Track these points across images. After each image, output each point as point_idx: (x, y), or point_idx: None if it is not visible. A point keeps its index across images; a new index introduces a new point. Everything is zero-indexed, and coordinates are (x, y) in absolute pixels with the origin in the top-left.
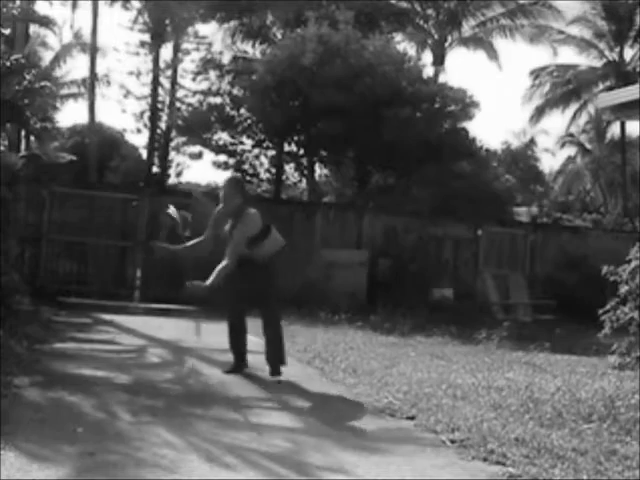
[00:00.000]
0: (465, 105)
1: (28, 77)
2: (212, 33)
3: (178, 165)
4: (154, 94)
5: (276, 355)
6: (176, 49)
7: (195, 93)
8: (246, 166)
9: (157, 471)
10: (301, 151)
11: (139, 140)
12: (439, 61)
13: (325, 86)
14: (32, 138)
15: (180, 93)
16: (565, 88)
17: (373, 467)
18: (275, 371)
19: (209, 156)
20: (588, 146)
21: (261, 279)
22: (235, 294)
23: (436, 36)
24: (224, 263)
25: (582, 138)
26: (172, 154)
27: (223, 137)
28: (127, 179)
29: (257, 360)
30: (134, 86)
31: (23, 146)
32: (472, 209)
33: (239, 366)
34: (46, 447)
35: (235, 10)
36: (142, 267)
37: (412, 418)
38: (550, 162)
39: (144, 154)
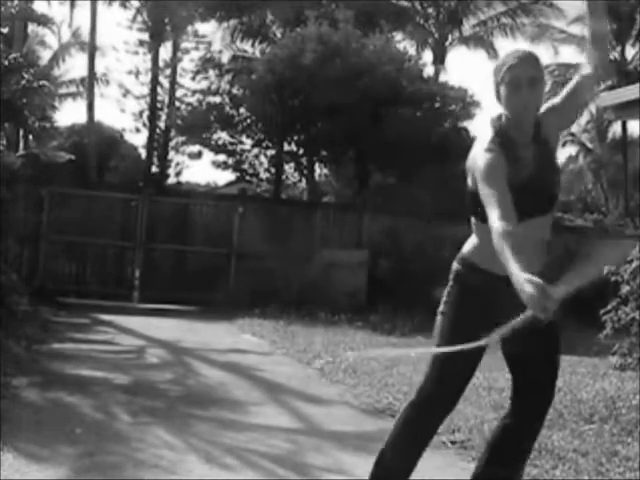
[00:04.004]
0: (466, 104)
1: (26, 76)
2: (211, 32)
3: (177, 165)
4: (153, 93)
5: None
6: (175, 48)
7: (194, 92)
8: (246, 166)
9: (156, 472)
10: (301, 151)
11: (138, 140)
12: (439, 60)
13: (325, 85)
14: (30, 137)
15: (179, 92)
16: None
17: None
18: None
19: (208, 156)
20: (589, 145)
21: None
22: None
23: (436, 35)
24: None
25: (583, 137)
26: (171, 154)
27: (222, 137)
28: (126, 179)
29: (257, 361)
30: (133, 85)
31: (21, 146)
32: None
33: None
34: (45, 448)
35: (234, 9)
36: (141, 267)
37: None
38: None
39: (143, 154)
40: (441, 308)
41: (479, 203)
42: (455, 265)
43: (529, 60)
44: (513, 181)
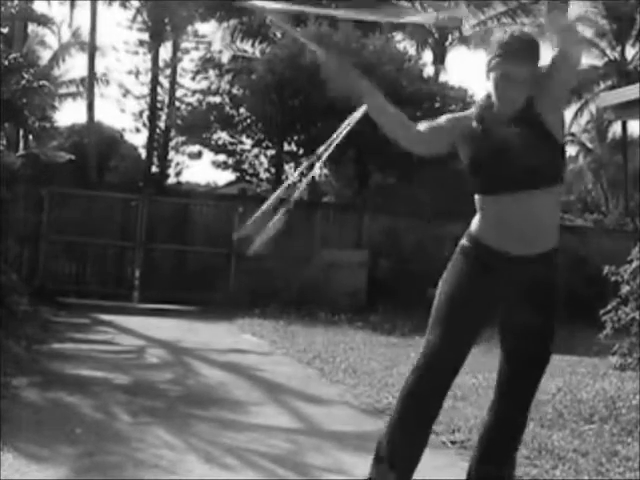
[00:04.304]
0: (466, 104)
1: (26, 76)
2: (211, 32)
3: (177, 165)
4: (153, 93)
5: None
6: (175, 48)
7: (194, 92)
8: (246, 166)
9: (156, 471)
10: (301, 151)
11: (138, 140)
12: (439, 60)
13: (325, 85)
14: (30, 137)
15: (179, 92)
16: None
17: None
18: None
19: (208, 156)
20: (589, 145)
21: (542, 297)
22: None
23: (436, 35)
24: None
25: (583, 137)
26: (171, 154)
27: (222, 137)
28: (126, 179)
29: (257, 361)
30: (133, 85)
31: (21, 146)
32: (472, 208)
33: None
34: (45, 448)
35: (234, 9)
36: (141, 267)
37: None
38: None
39: (143, 154)
40: (443, 276)
41: (475, 177)
42: (463, 240)
43: (524, 54)
44: (494, 149)
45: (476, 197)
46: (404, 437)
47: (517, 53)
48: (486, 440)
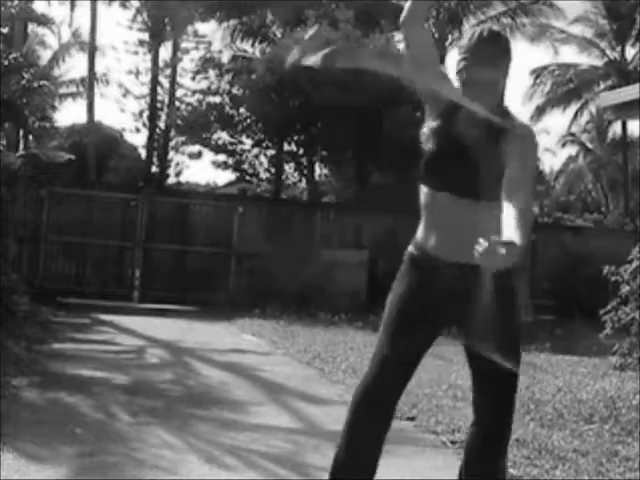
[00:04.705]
0: None
1: (26, 76)
2: (211, 32)
3: (177, 165)
4: (153, 93)
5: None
6: (175, 48)
7: (194, 92)
8: (246, 166)
9: (156, 472)
10: (301, 151)
11: (138, 139)
12: (440, 60)
13: (325, 85)
14: (30, 137)
15: (179, 92)
16: (566, 87)
17: None
18: None
19: (208, 156)
20: (589, 145)
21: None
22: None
23: (437, 35)
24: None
25: (583, 137)
26: (171, 154)
27: (222, 137)
28: (126, 179)
29: (257, 361)
30: (133, 85)
31: (21, 146)
32: None
33: None
34: (44, 448)
35: (235, 9)
36: (141, 267)
37: (412, 419)
38: (551, 161)
39: (143, 154)
40: (393, 285)
41: (426, 166)
42: (410, 248)
43: (490, 56)
44: (454, 146)
45: (423, 193)
46: (360, 437)
47: (483, 57)
48: (473, 440)
